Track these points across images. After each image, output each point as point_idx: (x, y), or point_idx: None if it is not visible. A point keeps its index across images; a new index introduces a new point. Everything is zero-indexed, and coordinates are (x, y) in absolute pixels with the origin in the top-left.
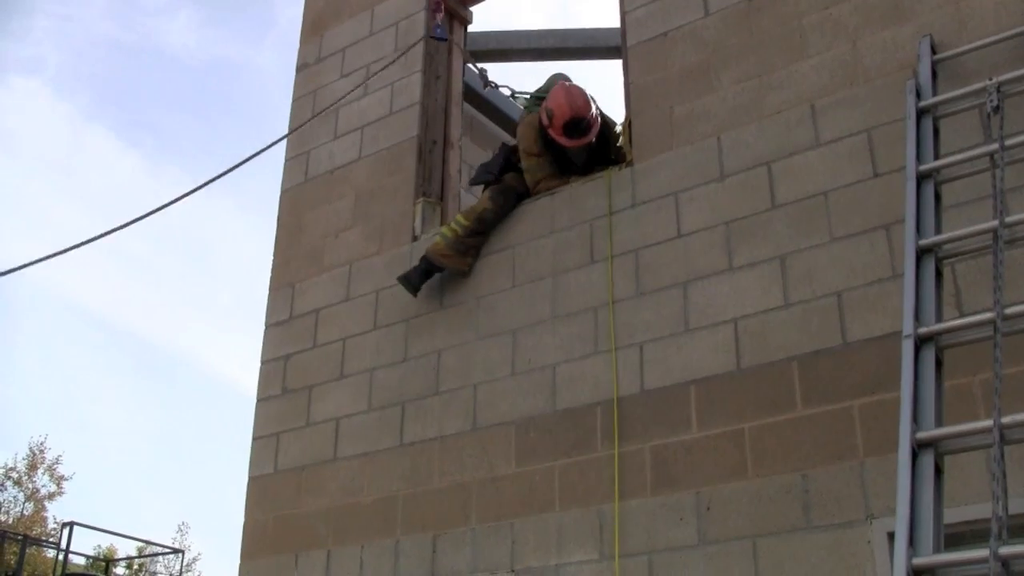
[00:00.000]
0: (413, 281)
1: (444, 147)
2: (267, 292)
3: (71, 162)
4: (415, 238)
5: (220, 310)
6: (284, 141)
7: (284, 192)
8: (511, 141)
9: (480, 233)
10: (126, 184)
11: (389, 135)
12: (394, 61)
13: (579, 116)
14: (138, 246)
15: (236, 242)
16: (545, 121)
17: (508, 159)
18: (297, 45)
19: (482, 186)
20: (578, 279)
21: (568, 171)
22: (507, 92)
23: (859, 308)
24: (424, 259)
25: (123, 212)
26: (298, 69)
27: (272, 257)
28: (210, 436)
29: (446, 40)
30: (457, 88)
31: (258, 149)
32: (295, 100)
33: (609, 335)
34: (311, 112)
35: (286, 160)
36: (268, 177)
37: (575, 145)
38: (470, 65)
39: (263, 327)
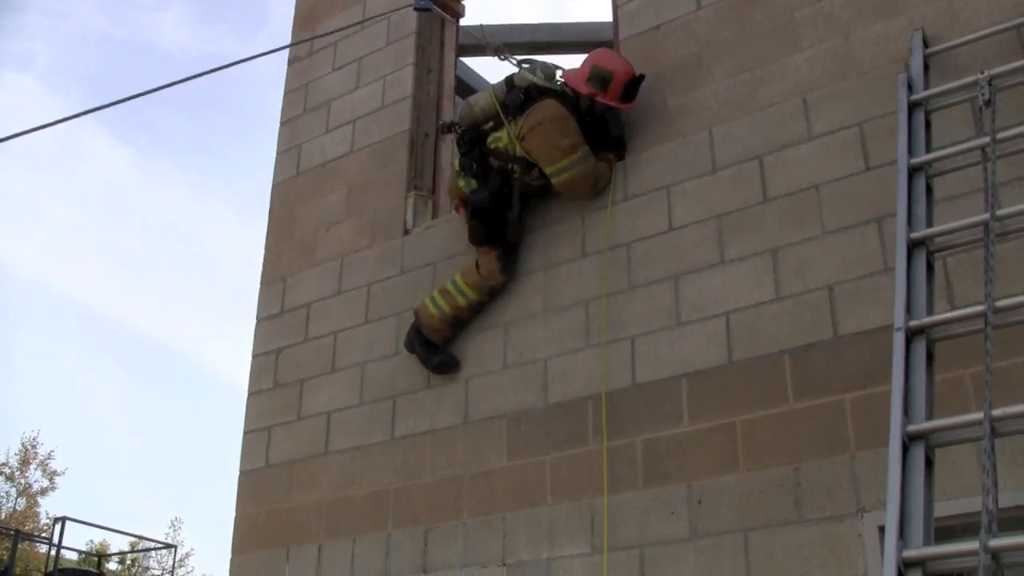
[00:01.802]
0: (420, 353)
1: (436, 140)
2: (259, 286)
3: (63, 158)
4: (407, 231)
5: (212, 305)
6: (276, 134)
7: (275, 186)
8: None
9: (484, 304)
10: (119, 180)
11: (381, 128)
12: (359, 24)
13: (636, 74)
14: (131, 242)
15: (228, 238)
16: (590, 90)
17: (501, 189)
18: (289, 40)
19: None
20: (569, 272)
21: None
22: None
23: (851, 301)
24: (416, 327)
25: (115, 208)
26: (290, 62)
27: (264, 251)
28: (203, 431)
29: (431, 11)
30: (449, 81)
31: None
32: (287, 94)
33: (601, 329)
34: (303, 106)
35: (277, 154)
36: (261, 172)
37: (630, 108)
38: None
39: (255, 321)
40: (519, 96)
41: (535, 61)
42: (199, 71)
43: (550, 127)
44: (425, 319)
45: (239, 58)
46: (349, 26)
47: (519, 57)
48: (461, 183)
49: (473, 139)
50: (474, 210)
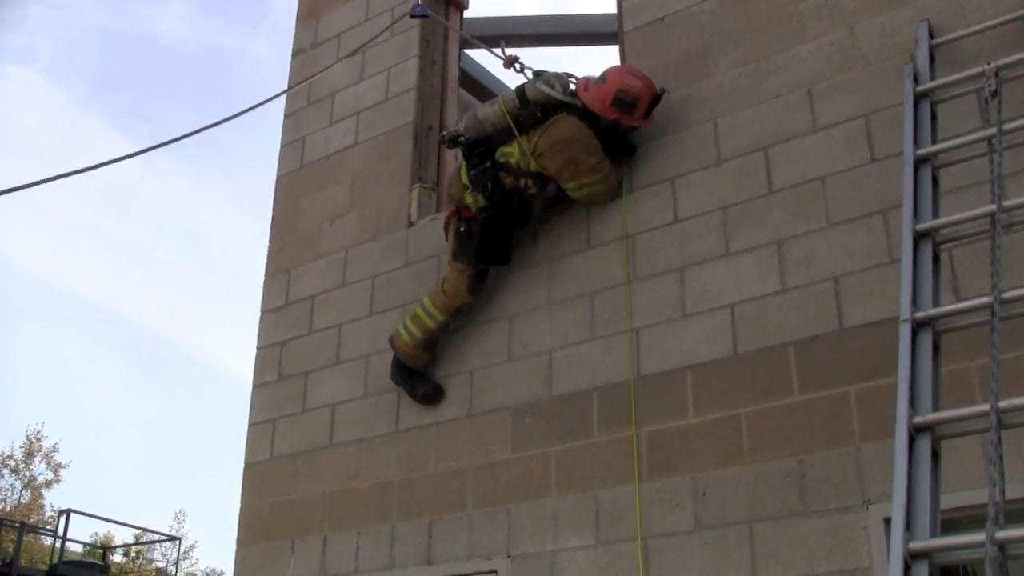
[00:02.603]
0: (405, 385)
1: (440, 133)
2: (263, 279)
3: (65, 151)
4: (411, 224)
5: (215, 299)
6: (280, 127)
7: (280, 178)
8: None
9: (449, 325)
10: (121, 174)
11: (385, 120)
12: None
13: (658, 90)
14: (133, 235)
15: (232, 230)
16: (616, 115)
17: (511, 206)
18: (291, 33)
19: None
20: (574, 265)
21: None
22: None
23: (856, 293)
24: (396, 359)
25: (118, 201)
26: (293, 55)
27: (268, 243)
28: (206, 424)
29: (427, 17)
30: (453, 73)
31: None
32: (291, 86)
33: (606, 321)
34: (306, 98)
35: (281, 146)
36: (264, 165)
37: (651, 123)
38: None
39: (259, 314)
40: (535, 112)
41: (547, 72)
42: (203, 64)
43: (575, 147)
44: (400, 347)
45: (241, 52)
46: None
47: (532, 68)
48: (468, 198)
49: (482, 153)
50: (483, 228)
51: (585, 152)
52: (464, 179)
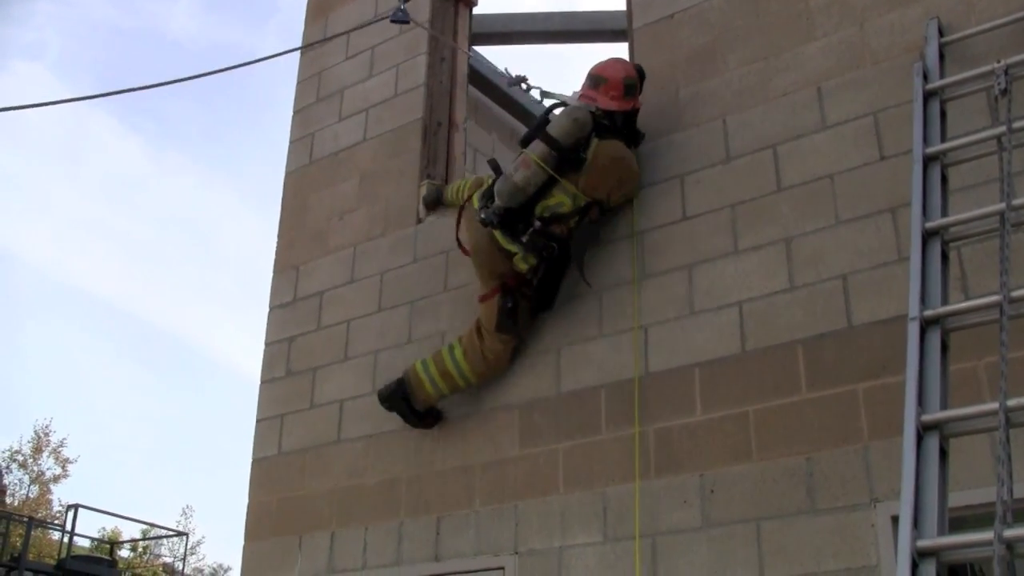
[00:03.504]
0: (402, 413)
1: (449, 129)
2: (271, 275)
3: (73, 147)
4: (419, 220)
5: (224, 295)
6: (289, 123)
7: (288, 174)
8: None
9: None
10: (128, 169)
11: (394, 117)
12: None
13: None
14: (141, 231)
15: (240, 227)
16: (632, 103)
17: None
18: (300, 29)
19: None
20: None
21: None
22: (537, 93)
23: (865, 291)
24: (403, 391)
25: (125, 197)
26: (303, 51)
27: (276, 239)
28: (214, 420)
29: (407, 23)
30: (462, 70)
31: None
32: (300, 82)
33: (614, 318)
34: (315, 94)
35: (290, 142)
36: (272, 162)
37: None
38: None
39: (267, 310)
40: (580, 155)
41: (553, 94)
42: (210, 61)
43: (623, 163)
44: (417, 390)
45: (241, 50)
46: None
47: (539, 87)
48: (520, 264)
49: (513, 216)
50: (540, 286)
51: (629, 164)
52: (511, 247)
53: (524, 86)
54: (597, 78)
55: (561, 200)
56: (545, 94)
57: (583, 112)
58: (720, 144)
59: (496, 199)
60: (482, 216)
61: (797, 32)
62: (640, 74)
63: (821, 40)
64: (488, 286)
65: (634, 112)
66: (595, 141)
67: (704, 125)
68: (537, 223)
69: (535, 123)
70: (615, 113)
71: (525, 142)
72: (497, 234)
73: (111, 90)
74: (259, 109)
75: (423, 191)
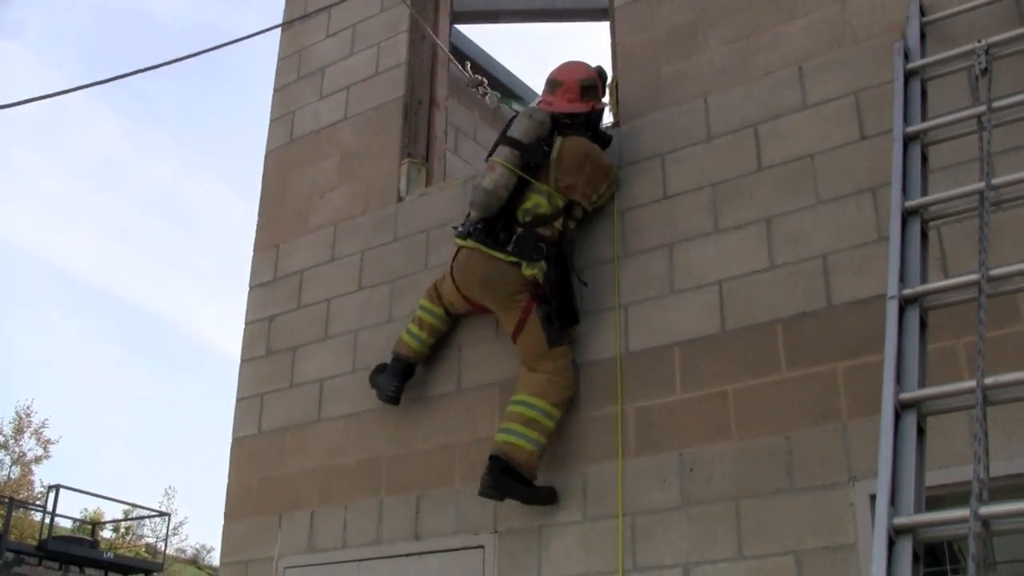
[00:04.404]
0: (524, 497)
1: (430, 107)
2: (251, 254)
3: (55, 127)
4: (400, 199)
5: (206, 276)
6: (270, 102)
7: (269, 153)
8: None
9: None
10: (110, 149)
11: (375, 95)
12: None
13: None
14: (124, 212)
15: (222, 207)
16: (592, 104)
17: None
18: (281, 6)
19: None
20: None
21: None
22: (495, 99)
23: (844, 271)
24: (506, 471)
25: (107, 178)
26: (283, 29)
27: (256, 218)
28: (196, 400)
29: None
30: (443, 48)
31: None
32: (280, 60)
33: (595, 297)
34: (296, 72)
35: (271, 120)
36: (253, 141)
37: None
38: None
39: (247, 289)
40: (543, 148)
41: (511, 100)
42: (192, 39)
43: (590, 159)
44: (522, 460)
45: (222, 28)
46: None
47: (496, 93)
48: (531, 271)
49: (507, 224)
50: (559, 294)
51: (597, 158)
52: (509, 257)
53: (480, 90)
54: (554, 82)
55: (537, 201)
56: (501, 100)
57: (540, 112)
58: (701, 123)
59: (471, 212)
60: (458, 230)
61: (779, 11)
62: (600, 76)
63: (803, 19)
64: (514, 313)
65: (596, 114)
66: (559, 139)
67: (685, 104)
68: (519, 229)
69: (499, 135)
70: (575, 115)
71: (489, 153)
72: (484, 248)
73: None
74: (241, 88)
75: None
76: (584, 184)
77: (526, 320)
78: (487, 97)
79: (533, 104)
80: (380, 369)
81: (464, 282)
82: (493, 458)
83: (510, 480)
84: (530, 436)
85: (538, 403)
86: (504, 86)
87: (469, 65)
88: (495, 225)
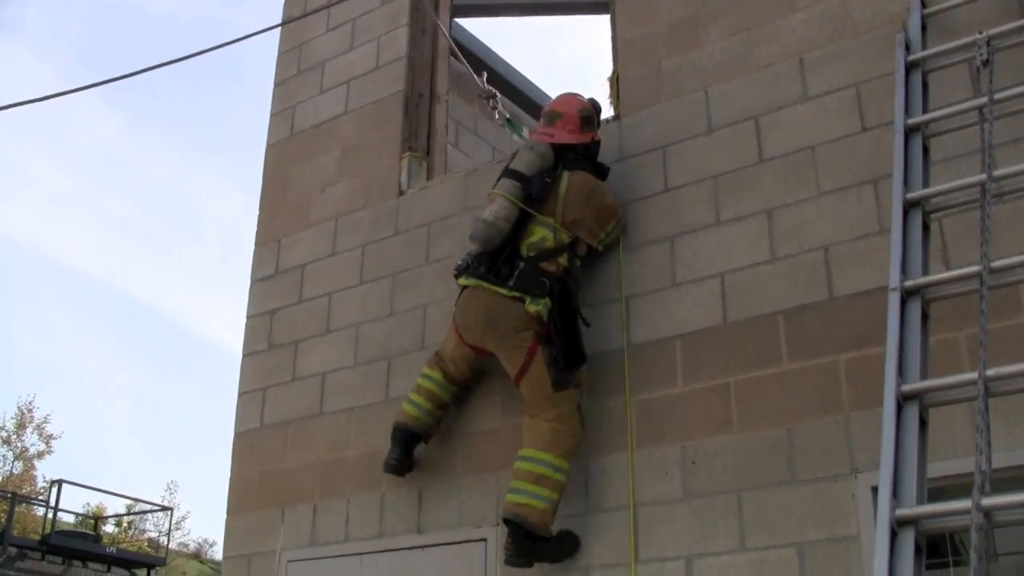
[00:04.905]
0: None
1: (431, 101)
2: (253, 248)
3: (54, 123)
4: (401, 192)
5: (207, 271)
6: (270, 96)
7: (269, 147)
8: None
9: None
10: (110, 144)
11: (375, 89)
12: None
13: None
14: (124, 207)
15: (223, 202)
16: (591, 135)
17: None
18: (281, 2)
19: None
20: None
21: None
22: (503, 117)
23: (846, 262)
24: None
25: (107, 173)
26: (283, 22)
27: (258, 213)
28: (198, 395)
29: None
30: (444, 42)
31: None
32: (280, 55)
33: (597, 290)
34: (296, 67)
35: (271, 115)
36: (253, 135)
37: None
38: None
39: (249, 283)
40: (544, 180)
41: (519, 129)
42: (192, 34)
43: (596, 194)
44: (536, 520)
45: (229, 23)
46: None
47: (506, 113)
48: (534, 307)
49: (510, 258)
50: (565, 332)
51: (602, 194)
52: (512, 292)
53: (492, 103)
54: (552, 114)
55: (543, 235)
56: (510, 122)
57: (542, 144)
58: (702, 115)
59: (472, 245)
60: (458, 264)
61: (779, 3)
62: (595, 108)
63: (803, 11)
64: (518, 354)
65: (595, 145)
66: (565, 173)
67: (686, 96)
68: (521, 263)
69: (502, 170)
70: (576, 146)
71: (493, 186)
72: (486, 284)
73: (90, 66)
74: (241, 83)
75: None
76: (591, 220)
77: (530, 362)
78: (496, 112)
79: (529, 136)
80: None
81: (466, 324)
82: (509, 522)
83: (533, 543)
84: (541, 494)
85: (544, 457)
86: (504, 80)
87: (485, 76)
88: (497, 260)
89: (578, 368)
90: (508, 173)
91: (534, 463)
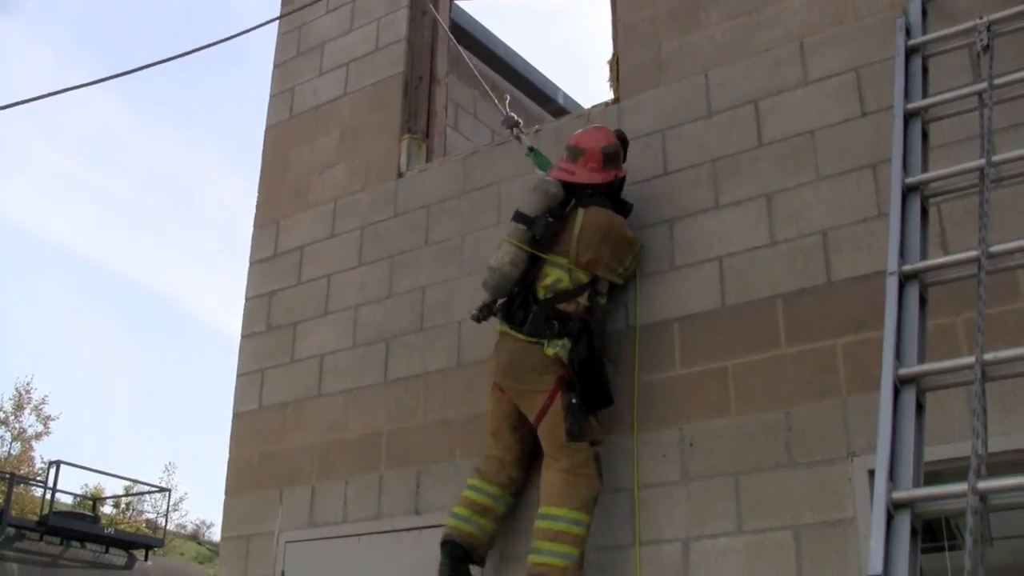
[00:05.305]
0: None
1: (430, 83)
2: (251, 230)
3: (53, 104)
4: (400, 175)
5: (206, 253)
6: (270, 78)
7: (268, 129)
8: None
9: None
10: (109, 126)
11: (375, 71)
12: None
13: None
14: (123, 189)
15: (221, 186)
16: (615, 172)
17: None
18: None
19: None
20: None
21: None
22: (527, 144)
23: (845, 247)
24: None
25: (106, 155)
26: (283, 4)
27: (257, 194)
28: (197, 377)
29: None
30: (444, 24)
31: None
32: (280, 36)
33: None
34: (296, 48)
35: (270, 97)
36: (253, 118)
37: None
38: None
39: (247, 265)
40: (547, 220)
41: (544, 161)
42: (191, 16)
43: (613, 231)
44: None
45: (228, 3)
46: None
47: (529, 141)
48: (552, 351)
49: (524, 303)
50: (583, 374)
51: (620, 229)
52: (530, 337)
53: (515, 131)
54: (575, 149)
55: (558, 276)
56: (533, 151)
57: (553, 184)
58: (702, 99)
59: (484, 293)
60: (473, 313)
61: None
62: (622, 140)
63: None
64: (539, 398)
65: (619, 181)
66: (580, 211)
67: (686, 80)
68: (535, 306)
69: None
70: (598, 184)
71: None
72: (508, 329)
73: (87, 45)
74: (240, 65)
75: None
76: (609, 257)
77: (549, 406)
78: (520, 139)
79: (549, 172)
80: None
81: (498, 368)
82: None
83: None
84: (561, 551)
85: (559, 512)
86: (504, 62)
87: (508, 101)
88: (512, 304)
89: (604, 409)
90: (517, 217)
91: (551, 520)
